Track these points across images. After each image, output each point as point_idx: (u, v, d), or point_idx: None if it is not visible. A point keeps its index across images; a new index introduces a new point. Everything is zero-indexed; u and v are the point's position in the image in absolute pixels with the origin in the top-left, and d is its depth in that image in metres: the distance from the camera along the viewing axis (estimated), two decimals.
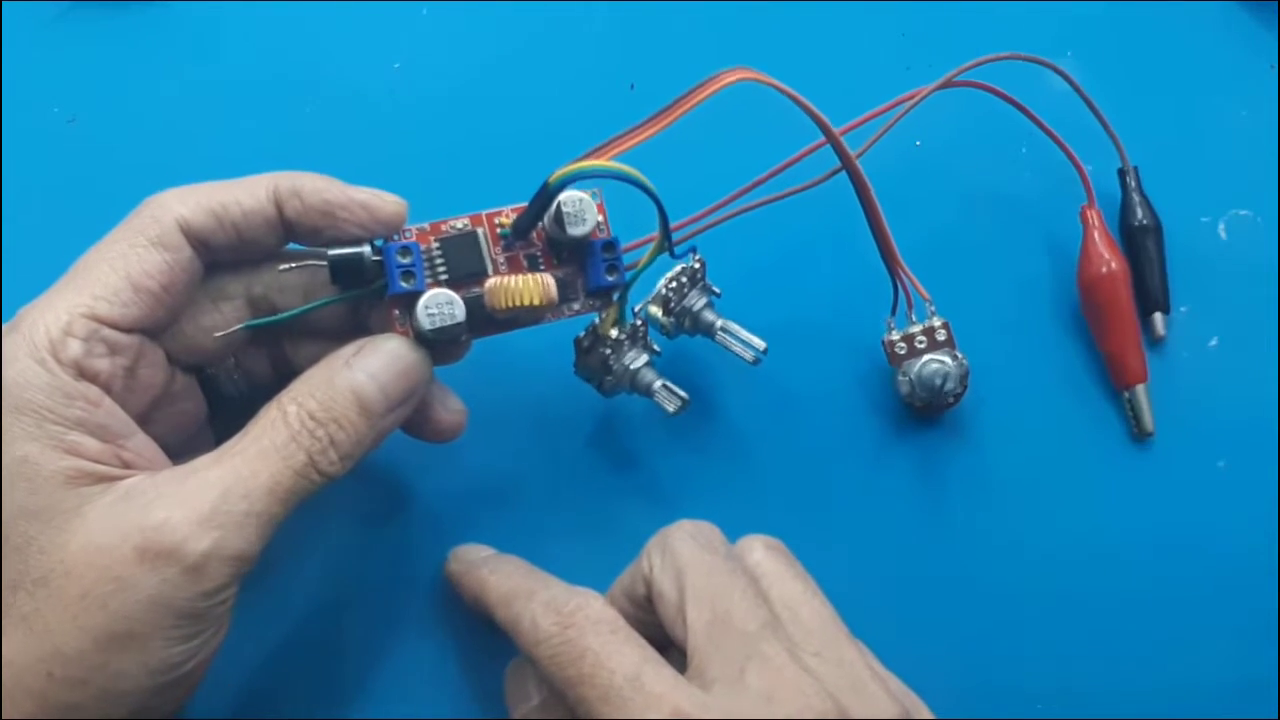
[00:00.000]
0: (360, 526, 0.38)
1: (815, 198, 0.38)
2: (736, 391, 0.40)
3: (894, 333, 0.38)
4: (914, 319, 0.38)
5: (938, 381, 0.37)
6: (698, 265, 0.37)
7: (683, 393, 0.36)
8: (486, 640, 0.37)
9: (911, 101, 0.38)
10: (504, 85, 0.44)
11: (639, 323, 0.36)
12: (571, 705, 0.29)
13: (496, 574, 0.33)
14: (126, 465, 0.29)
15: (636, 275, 0.34)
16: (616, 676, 0.28)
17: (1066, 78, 0.39)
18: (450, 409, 0.35)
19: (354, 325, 0.34)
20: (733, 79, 0.33)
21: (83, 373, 0.29)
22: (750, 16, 0.45)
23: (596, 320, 0.35)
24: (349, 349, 0.31)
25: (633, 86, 0.44)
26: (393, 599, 0.38)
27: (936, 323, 0.38)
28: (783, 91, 0.33)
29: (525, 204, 0.33)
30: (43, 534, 0.28)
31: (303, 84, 0.44)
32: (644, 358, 0.36)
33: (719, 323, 0.37)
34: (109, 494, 0.28)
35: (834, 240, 0.41)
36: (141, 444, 0.30)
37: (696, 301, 0.37)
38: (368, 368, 0.31)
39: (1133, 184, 0.41)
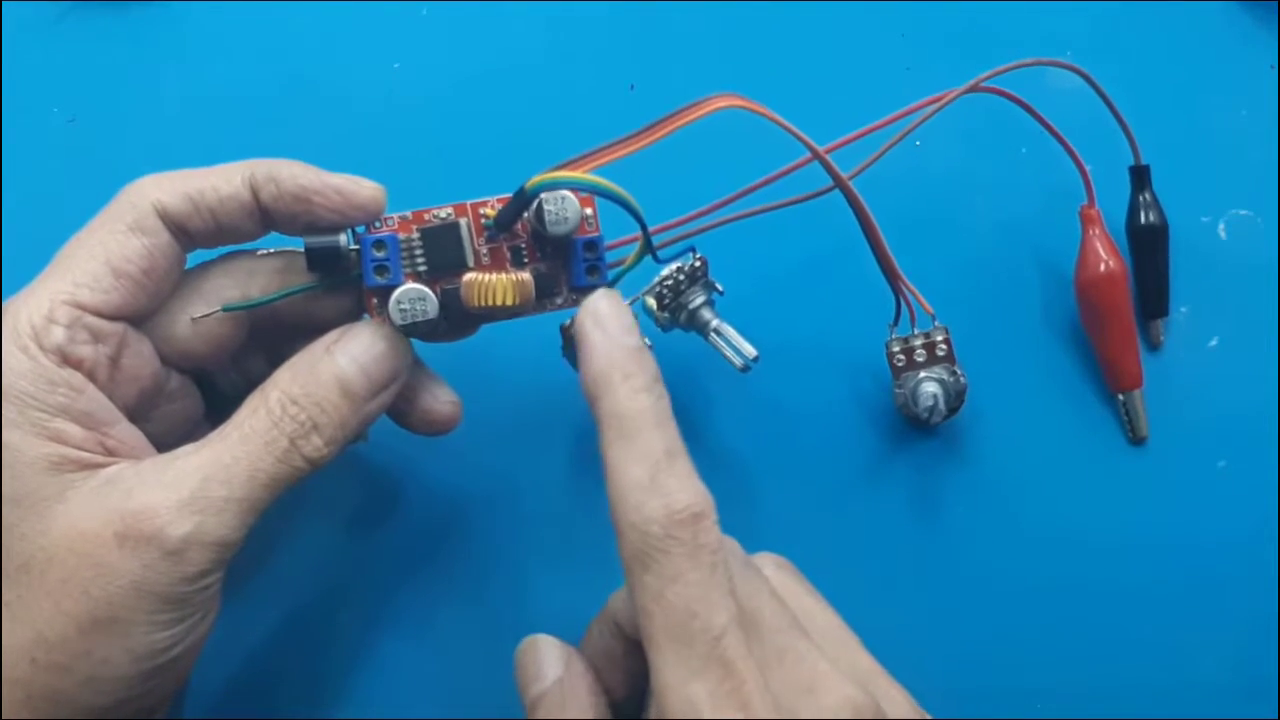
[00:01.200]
0: (350, 525, 0.38)
1: (818, 205, 0.38)
2: (733, 392, 0.40)
3: (895, 338, 0.38)
4: (916, 328, 0.38)
5: (928, 403, 0.37)
6: (698, 264, 0.37)
7: None
8: (476, 639, 0.37)
9: (935, 107, 0.37)
10: (504, 85, 0.44)
11: None
12: (633, 597, 0.27)
13: (631, 382, 0.29)
14: (110, 453, 0.30)
15: (620, 276, 0.34)
16: (697, 623, 0.26)
17: (1090, 81, 0.39)
18: (441, 399, 0.35)
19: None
20: (719, 105, 0.32)
21: (66, 359, 0.29)
22: (750, 17, 0.45)
23: None
24: (330, 336, 0.32)
25: (632, 87, 0.44)
26: (385, 598, 0.38)
27: (938, 337, 0.38)
28: (771, 119, 0.33)
29: (511, 194, 0.32)
30: (24, 520, 0.28)
31: (303, 84, 0.44)
32: None
33: (714, 323, 0.37)
34: (91, 480, 0.29)
35: (837, 248, 0.41)
36: (126, 432, 0.30)
37: (695, 299, 0.37)
38: (349, 352, 0.31)
39: (1143, 183, 0.41)
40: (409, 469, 0.39)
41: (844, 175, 0.35)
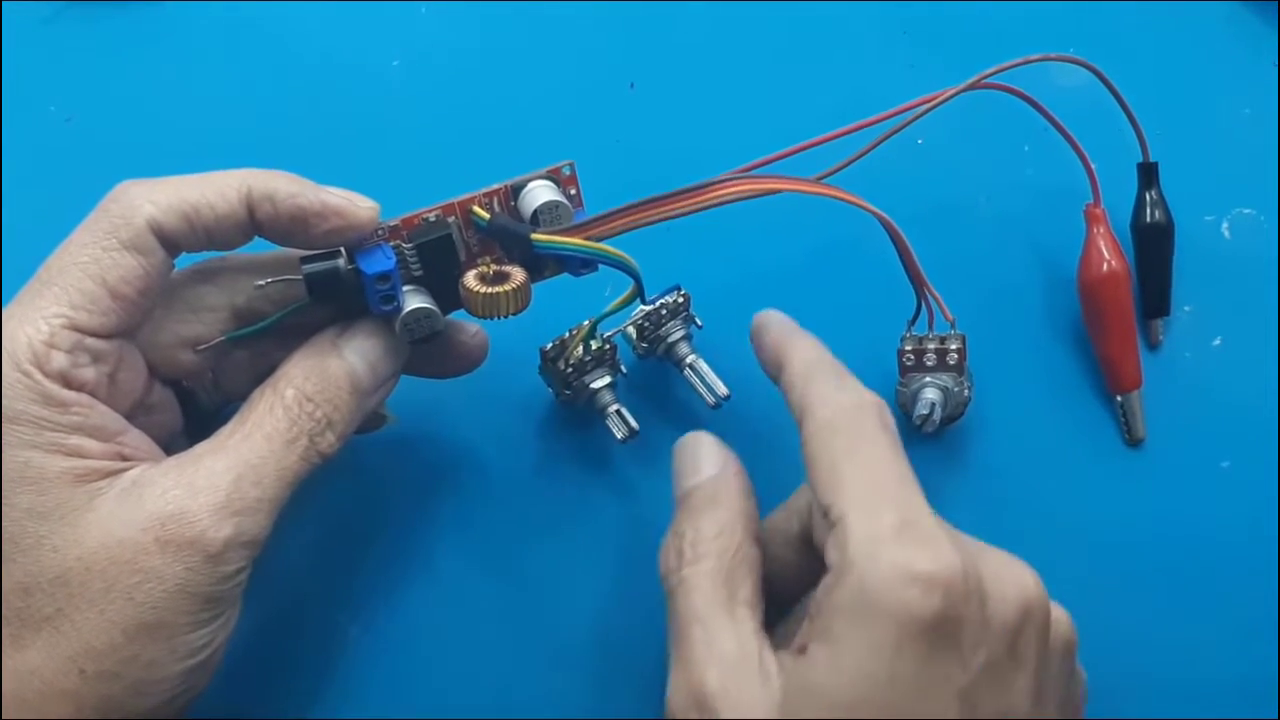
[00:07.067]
0: (347, 523, 0.38)
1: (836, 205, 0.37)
2: (735, 385, 0.39)
3: (910, 335, 0.38)
4: (933, 330, 0.38)
5: (924, 410, 0.37)
6: (681, 299, 0.37)
7: (634, 422, 0.36)
8: (472, 642, 0.37)
9: (935, 101, 0.37)
10: (503, 83, 0.44)
11: (607, 347, 0.36)
12: (818, 463, 0.29)
13: (802, 348, 0.33)
14: (126, 459, 0.30)
15: (605, 315, 0.35)
16: (892, 472, 0.29)
17: (1100, 76, 0.38)
18: (469, 335, 0.35)
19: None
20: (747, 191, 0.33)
21: (69, 383, 0.29)
22: (751, 15, 0.45)
23: (566, 335, 0.36)
24: (334, 330, 0.32)
25: (632, 85, 0.44)
26: (383, 597, 0.38)
27: (953, 345, 0.37)
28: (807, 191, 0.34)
29: (496, 185, 0.33)
30: (55, 532, 0.28)
31: (301, 82, 0.44)
32: (606, 379, 0.37)
33: (689, 359, 0.37)
34: (115, 486, 0.29)
35: (855, 236, 0.40)
36: (136, 437, 0.31)
37: (674, 332, 0.37)
38: (357, 349, 0.32)
39: (1151, 180, 0.40)
40: (403, 465, 0.39)
41: (883, 213, 0.35)
